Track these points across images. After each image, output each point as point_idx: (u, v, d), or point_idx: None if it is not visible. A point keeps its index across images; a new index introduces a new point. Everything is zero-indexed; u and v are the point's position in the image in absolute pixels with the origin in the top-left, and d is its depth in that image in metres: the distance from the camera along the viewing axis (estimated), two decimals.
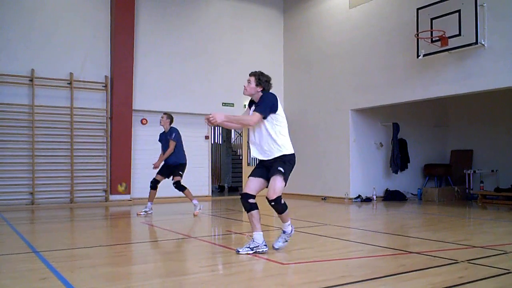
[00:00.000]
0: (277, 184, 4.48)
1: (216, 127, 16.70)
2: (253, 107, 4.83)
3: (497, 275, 3.61)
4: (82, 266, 4.16)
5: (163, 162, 8.28)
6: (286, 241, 4.82)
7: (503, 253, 4.47)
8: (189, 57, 11.84)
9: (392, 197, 11.12)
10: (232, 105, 12.45)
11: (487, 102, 10.99)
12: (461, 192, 11.16)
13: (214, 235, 6.37)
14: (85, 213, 9.01)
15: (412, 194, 11.69)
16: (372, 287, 3.36)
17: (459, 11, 8.28)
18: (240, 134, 13.50)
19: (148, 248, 5.24)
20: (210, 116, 4.46)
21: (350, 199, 10.87)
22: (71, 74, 10.29)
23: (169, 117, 8.42)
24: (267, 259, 4.30)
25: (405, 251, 4.66)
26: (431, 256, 4.35)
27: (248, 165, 13.34)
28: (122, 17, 10.71)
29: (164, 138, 8.31)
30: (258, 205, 4.61)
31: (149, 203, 8.33)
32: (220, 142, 17.04)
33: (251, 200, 4.58)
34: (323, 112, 11.77)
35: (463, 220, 7.78)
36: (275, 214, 4.81)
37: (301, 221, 7.35)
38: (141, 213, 8.21)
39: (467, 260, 4.11)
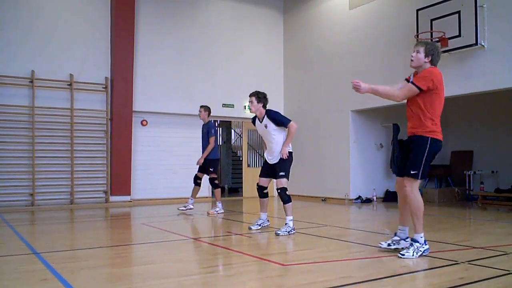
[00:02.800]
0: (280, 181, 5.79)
1: (218, 128, 16.72)
2: (267, 124, 5.98)
3: (497, 276, 3.61)
4: (82, 267, 4.16)
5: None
6: (289, 233, 5.67)
7: (504, 254, 4.47)
8: (189, 58, 11.84)
9: (392, 198, 11.11)
10: (232, 106, 12.45)
11: (487, 103, 10.99)
12: (461, 193, 11.15)
13: (214, 236, 6.36)
14: (85, 214, 9.01)
15: None
16: None
17: (459, 12, 8.28)
18: (240, 136, 13.49)
19: (148, 249, 5.23)
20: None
21: (350, 200, 10.86)
22: (71, 75, 10.29)
23: (207, 109, 8.57)
24: (267, 260, 4.29)
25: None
26: (431, 257, 4.35)
27: (248, 166, 13.33)
28: (122, 18, 10.72)
29: (203, 132, 8.57)
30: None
31: (190, 199, 8.75)
32: (220, 143, 17.04)
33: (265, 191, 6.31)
34: (323, 113, 11.78)
35: (463, 221, 7.77)
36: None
37: (302, 222, 7.35)
38: (182, 208, 8.71)
39: (468, 261, 4.10)
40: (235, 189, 15.22)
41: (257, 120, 6.15)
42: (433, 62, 4.31)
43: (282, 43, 13.34)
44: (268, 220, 6.48)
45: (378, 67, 10.27)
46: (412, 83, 4.29)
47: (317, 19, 12.13)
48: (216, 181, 8.75)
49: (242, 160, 13.28)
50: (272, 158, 6.02)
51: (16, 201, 9.70)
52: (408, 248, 4.25)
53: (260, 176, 6.23)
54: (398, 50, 9.80)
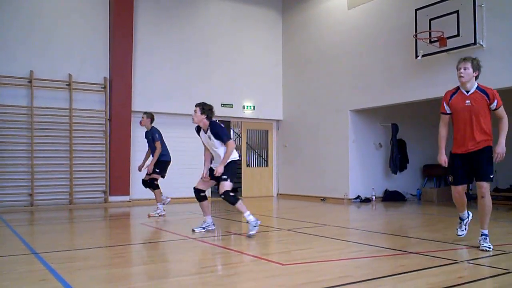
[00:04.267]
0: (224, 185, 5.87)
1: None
2: (210, 136, 6.07)
3: (496, 275, 3.62)
4: (81, 267, 4.16)
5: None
6: (255, 227, 5.74)
7: (502, 253, 4.48)
8: (188, 58, 11.84)
9: (391, 197, 11.13)
10: (231, 106, 12.45)
11: None
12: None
13: (214, 236, 6.36)
14: (85, 215, 9.00)
15: (411, 194, 11.70)
16: (372, 287, 3.36)
17: (457, 11, 8.29)
18: (239, 135, 13.50)
19: (147, 249, 5.23)
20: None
21: (349, 199, 10.87)
22: (70, 75, 10.28)
23: (149, 115, 8.54)
24: (266, 260, 4.30)
25: (405, 251, 4.66)
26: (431, 256, 4.35)
27: (247, 167, 13.34)
28: (121, 18, 10.72)
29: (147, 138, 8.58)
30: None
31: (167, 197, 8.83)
32: None
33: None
34: (322, 113, 11.78)
35: None
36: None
37: (301, 221, 7.35)
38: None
39: (467, 260, 4.11)
40: (234, 189, 15.19)
41: (201, 131, 6.27)
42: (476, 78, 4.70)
43: (281, 43, 13.34)
44: (214, 224, 6.34)
45: (376, 67, 10.28)
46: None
47: (316, 19, 12.13)
48: (156, 182, 8.55)
49: (241, 160, 13.27)
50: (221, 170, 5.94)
51: (15, 201, 9.69)
52: (486, 241, 4.59)
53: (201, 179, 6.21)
54: (396, 50, 9.81)
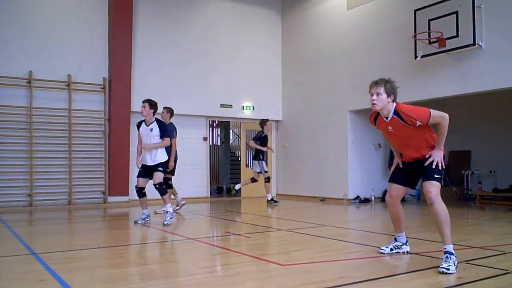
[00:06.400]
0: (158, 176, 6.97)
1: (215, 129, 16.71)
2: (154, 131, 6.98)
3: (495, 275, 3.62)
4: (80, 268, 4.15)
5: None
6: (171, 218, 6.92)
7: (502, 254, 4.48)
8: (188, 58, 11.84)
9: None
10: (230, 106, 12.45)
11: (485, 103, 11.01)
12: (459, 193, 11.17)
13: (213, 237, 6.36)
14: (84, 215, 8.99)
15: (410, 195, 11.70)
16: (372, 287, 3.36)
17: (456, 12, 8.30)
18: (238, 136, 13.49)
19: (146, 250, 5.23)
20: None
21: (349, 200, 10.87)
22: (69, 75, 10.28)
23: (169, 110, 8.68)
24: (266, 260, 4.30)
25: (404, 251, 4.66)
26: (430, 256, 4.35)
27: (246, 167, 13.33)
28: (120, 18, 10.71)
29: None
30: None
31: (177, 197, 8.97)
32: (219, 144, 17.04)
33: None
34: (321, 113, 11.79)
35: (462, 221, 7.79)
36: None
37: (300, 222, 7.35)
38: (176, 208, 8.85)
39: (466, 261, 4.11)
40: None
41: (143, 124, 7.11)
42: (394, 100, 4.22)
43: (280, 44, 13.34)
44: (149, 216, 7.36)
45: (376, 68, 10.27)
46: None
47: (315, 19, 12.14)
48: (170, 182, 8.65)
49: (240, 160, 13.28)
50: (150, 159, 6.97)
51: (14, 201, 9.69)
52: (448, 260, 3.71)
53: (138, 176, 7.17)
54: (396, 50, 9.82)
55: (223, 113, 12.30)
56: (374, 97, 4.17)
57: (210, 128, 14.08)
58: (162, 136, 6.98)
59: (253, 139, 10.58)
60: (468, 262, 4.09)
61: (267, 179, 10.51)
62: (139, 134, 7.18)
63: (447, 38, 8.41)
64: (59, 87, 10.26)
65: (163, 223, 6.87)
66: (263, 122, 10.57)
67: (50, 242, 5.63)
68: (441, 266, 3.69)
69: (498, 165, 10.94)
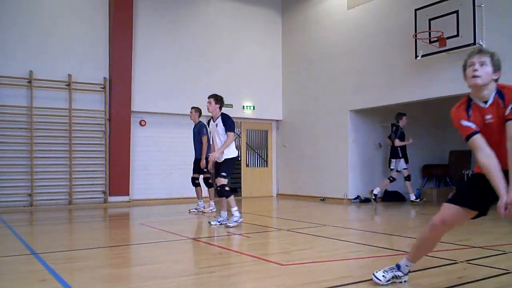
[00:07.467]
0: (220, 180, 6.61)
1: None
2: (219, 126, 6.76)
3: (496, 275, 3.62)
4: (81, 267, 4.15)
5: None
6: (236, 222, 6.58)
7: (502, 253, 4.48)
8: (188, 58, 11.84)
9: (391, 197, 11.12)
10: (231, 106, 12.42)
11: None
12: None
13: (213, 236, 6.36)
14: (84, 215, 9.00)
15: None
16: (371, 287, 3.35)
17: (457, 11, 8.29)
18: (239, 136, 13.49)
19: (147, 250, 5.23)
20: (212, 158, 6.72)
21: (349, 199, 10.87)
22: (69, 75, 10.28)
23: (197, 110, 8.83)
24: (266, 260, 4.29)
25: (404, 251, 4.65)
26: (430, 256, 4.34)
27: (247, 166, 13.33)
28: (120, 18, 10.71)
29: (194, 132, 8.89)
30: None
31: (199, 201, 8.92)
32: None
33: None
34: (322, 113, 11.78)
35: None
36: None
37: (300, 222, 7.34)
38: (194, 211, 8.80)
39: (466, 261, 4.11)
40: (233, 189, 15.20)
41: (211, 121, 6.97)
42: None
43: (280, 43, 13.34)
44: (227, 219, 6.89)
45: (376, 67, 10.28)
46: None
47: (316, 19, 12.13)
48: (210, 181, 8.84)
49: (241, 160, 13.27)
50: (218, 155, 6.73)
51: (15, 201, 9.69)
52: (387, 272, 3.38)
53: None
54: (396, 50, 9.81)
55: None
56: (477, 66, 2.90)
57: (208, 127, 14.04)
58: (226, 130, 6.73)
59: (396, 137, 10.06)
60: (469, 262, 4.08)
61: (407, 178, 10.16)
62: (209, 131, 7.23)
63: (448, 38, 8.41)
64: (60, 87, 10.26)
65: (226, 225, 6.63)
66: (399, 116, 10.13)
67: (51, 242, 5.64)
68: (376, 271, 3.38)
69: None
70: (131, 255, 5.00)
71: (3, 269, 4.07)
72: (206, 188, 9.00)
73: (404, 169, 10.18)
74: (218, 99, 6.88)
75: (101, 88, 10.70)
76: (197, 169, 8.75)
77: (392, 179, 10.31)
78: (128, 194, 10.81)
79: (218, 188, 6.63)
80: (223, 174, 6.60)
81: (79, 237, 6.42)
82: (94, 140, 10.62)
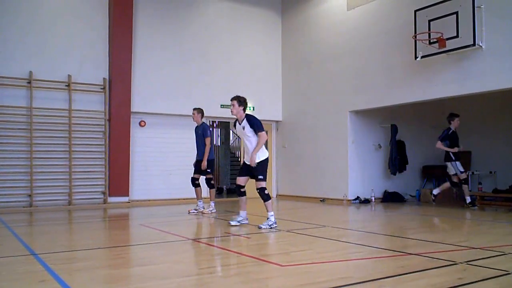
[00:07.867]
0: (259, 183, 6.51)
1: (215, 129, 16.71)
2: (246, 129, 6.52)
3: (496, 276, 3.62)
4: (80, 268, 4.15)
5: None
6: (270, 226, 6.42)
7: (502, 254, 4.48)
8: (188, 58, 11.84)
9: (390, 198, 11.13)
10: (230, 106, 12.43)
11: (485, 104, 11.01)
12: (459, 194, 11.15)
13: (213, 237, 6.36)
14: (84, 215, 8.99)
15: (410, 195, 11.70)
16: None
17: (456, 12, 8.30)
18: (238, 136, 13.49)
19: (147, 250, 5.23)
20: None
21: (349, 200, 10.87)
22: (69, 76, 10.28)
23: (200, 111, 8.81)
24: (266, 261, 4.29)
25: (404, 252, 4.66)
26: (430, 257, 4.35)
27: None
28: (120, 19, 10.71)
29: (198, 134, 8.81)
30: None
31: (199, 202, 8.88)
32: (219, 144, 17.03)
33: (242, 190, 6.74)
34: (322, 114, 11.78)
35: (462, 222, 7.78)
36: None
37: (300, 222, 7.34)
38: (193, 211, 8.73)
39: (466, 262, 4.11)
40: (233, 190, 15.21)
41: (237, 123, 6.71)
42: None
43: (280, 44, 13.34)
44: (247, 219, 6.91)
45: (376, 68, 10.28)
46: None
47: (315, 20, 12.14)
48: (212, 182, 8.86)
49: (240, 160, 13.28)
50: (253, 157, 6.52)
51: (14, 202, 9.68)
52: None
53: (239, 175, 6.80)
54: (396, 50, 9.82)
55: (223, 113, 12.29)
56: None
57: (210, 129, 14.06)
58: (256, 131, 6.47)
59: (440, 139, 9.34)
60: (468, 263, 4.08)
61: (463, 181, 9.38)
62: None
63: (447, 39, 8.41)
64: (59, 87, 10.26)
65: (259, 226, 6.51)
66: (451, 117, 9.38)
67: (50, 243, 5.63)
68: None
69: (498, 165, 10.94)
70: (131, 256, 4.99)
71: (2, 270, 4.07)
72: (208, 189, 8.99)
73: (460, 172, 9.35)
74: (241, 101, 6.61)
75: (101, 88, 10.70)
76: (198, 169, 8.74)
77: (460, 182, 9.45)
78: (127, 195, 10.81)
79: (258, 191, 6.49)
80: (260, 177, 6.48)
81: (79, 237, 6.42)
82: (93, 141, 10.62)
